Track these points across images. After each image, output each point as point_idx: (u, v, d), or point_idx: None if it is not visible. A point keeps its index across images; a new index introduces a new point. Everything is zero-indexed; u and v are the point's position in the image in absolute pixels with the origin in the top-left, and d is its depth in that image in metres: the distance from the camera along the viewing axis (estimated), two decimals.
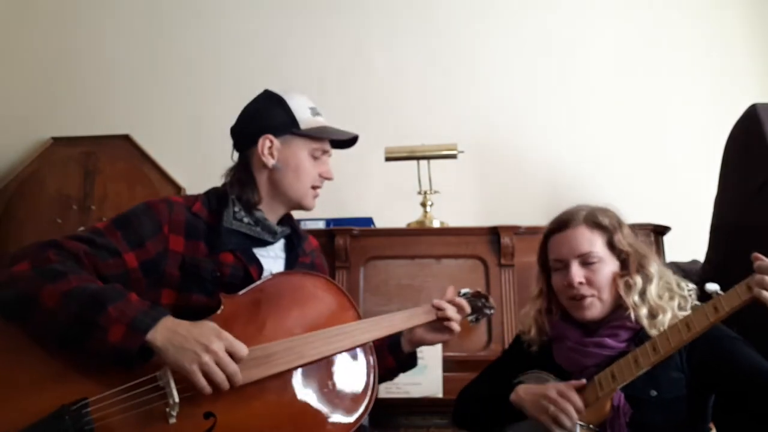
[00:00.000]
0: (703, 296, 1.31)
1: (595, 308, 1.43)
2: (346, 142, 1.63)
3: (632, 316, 1.38)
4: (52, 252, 1.27)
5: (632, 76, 2.99)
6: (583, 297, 1.42)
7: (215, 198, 1.52)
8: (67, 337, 1.21)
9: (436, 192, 2.66)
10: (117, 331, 1.18)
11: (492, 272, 2.34)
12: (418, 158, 2.66)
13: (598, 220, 1.47)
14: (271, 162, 1.51)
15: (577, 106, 2.98)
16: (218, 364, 1.20)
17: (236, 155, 1.59)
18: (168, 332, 1.21)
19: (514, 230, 2.38)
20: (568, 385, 1.33)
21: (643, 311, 1.38)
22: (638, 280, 1.41)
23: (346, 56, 3.09)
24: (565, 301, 1.47)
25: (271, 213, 1.54)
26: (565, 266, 1.45)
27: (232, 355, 1.22)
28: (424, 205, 2.65)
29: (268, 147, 1.51)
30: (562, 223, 1.49)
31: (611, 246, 1.45)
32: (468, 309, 1.59)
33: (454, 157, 2.64)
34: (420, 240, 2.42)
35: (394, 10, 3.13)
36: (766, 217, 1.77)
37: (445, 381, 2.07)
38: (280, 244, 1.58)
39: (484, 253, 2.37)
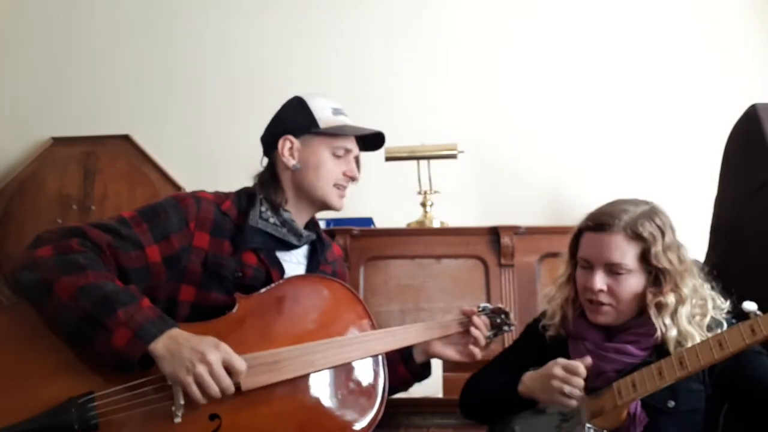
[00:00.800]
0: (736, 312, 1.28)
1: (609, 316, 1.39)
2: (375, 142, 1.61)
3: (658, 336, 1.33)
4: (76, 241, 1.27)
5: (632, 75, 2.99)
6: (600, 304, 1.38)
7: (245, 197, 1.52)
8: (75, 333, 1.21)
9: (436, 192, 2.66)
10: (122, 336, 1.18)
11: (492, 272, 2.35)
12: (418, 158, 2.66)
13: (638, 230, 1.36)
14: (292, 162, 1.50)
15: (577, 105, 2.98)
16: (212, 375, 1.19)
17: (266, 161, 1.59)
18: (169, 341, 1.20)
19: (514, 230, 2.38)
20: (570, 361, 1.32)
21: (672, 333, 1.33)
22: (671, 301, 1.35)
23: (346, 56, 3.09)
24: (583, 300, 1.43)
25: (298, 215, 1.53)
26: (591, 268, 1.39)
27: (229, 368, 1.21)
28: (424, 205, 2.65)
29: (289, 148, 1.51)
30: (600, 225, 1.39)
31: (645, 259, 1.36)
32: (489, 328, 1.53)
33: (454, 157, 2.64)
34: (420, 240, 2.42)
35: (394, 9, 3.13)
36: (766, 216, 1.77)
37: (445, 381, 2.07)
38: (303, 250, 1.56)
39: (484, 253, 2.37)
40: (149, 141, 2.99)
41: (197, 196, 1.45)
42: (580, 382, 1.28)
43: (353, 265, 2.37)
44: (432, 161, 2.65)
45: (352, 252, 2.38)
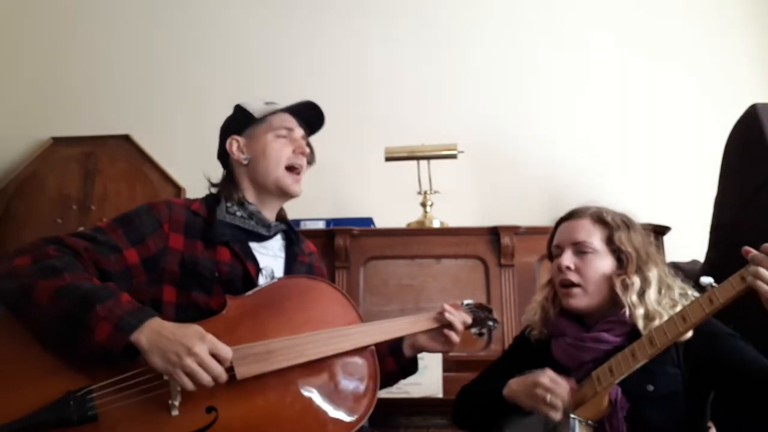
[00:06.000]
0: None
1: (580, 299, 1.46)
2: (316, 121, 1.66)
3: (627, 314, 1.39)
4: (52, 247, 1.29)
5: (632, 76, 3.00)
6: (570, 284, 1.46)
7: (212, 199, 1.58)
8: (57, 334, 1.22)
9: (436, 192, 2.66)
10: (103, 330, 1.19)
11: (492, 272, 2.35)
12: (418, 158, 2.66)
13: (602, 216, 1.50)
14: (242, 157, 1.57)
15: (577, 106, 2.98)
16: (202, 366, 1.20)
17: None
18: (153, 334, 1.21)
19: (514, 230, 2.38)
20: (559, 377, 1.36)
21: (640, 311, 1.39)
22: (636, 281, 1.42)
23: (347, 56, 3.09)
24: (558, 288, 1.51)
25: (263, 207, 1.58)
26: (562, 252, 1.50)
27: (216, 357, 1.22)
28: (424, 205, 2.65)
29: (237, 146, 1.58)
30: (570, 214, 1.55)
31: (610, 242, 1.47)
32: (469, 320, 1.58)
33: (454, 157, 2.64)
34: (420, 240, 2.42)
35: (394, 10, 3.13)
36: (765, 217, 1.77)
37: (445, 381, 2.07)
38: (278, 243, 1.60)
39: (484, 253, 2.37)
40: (149, 141, 2.99)
41: (168, 202, 1.51)
42: (564, 393, 1.32)
43: (353, 265, 2.37)
44: (432, 161, 2.66)
45: (352, 252, 2.38)
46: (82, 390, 1.21)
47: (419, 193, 2.67)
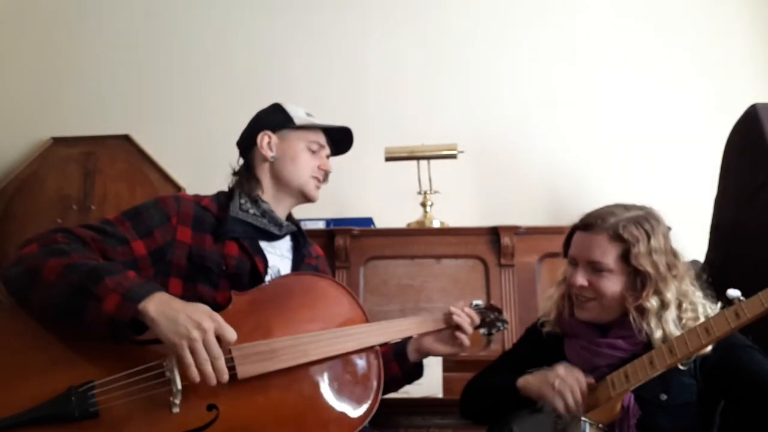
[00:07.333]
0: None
1: (593, 311, 1.43)
2: (344, 145, 1.72)
3: (644, 335, 1.36)
4: (60, 235, 1.32)
5: (632, 76, 2.99)
6: (585, 299, 1.43)
7: (224, 195, 1.59)
8: (65, 309, 1.22)
9: (436, 192, 2.66)
10: (112, 301, 1.19)
11: (492, 272, 2.35)
12: (418, 158, 2.66)
13: (620, 231, 1.39)
14: (270, 154, 1.59)
15: (577, 106, 2.98)
16: (204, 343, 1.19)
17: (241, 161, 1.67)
18: (161, 305, 1.21)
19: (514, 230, 2.38)
20: (577, 370, 1.34)
21: (658, 334, 1.35)
22: (653, 304, 1.37)
23: (346, 56, 3.09)
24: (573, 297, 1.48)
25: (277, 206, 1.60)
26: (576, 265, 1.45)
27: (220, 338, 1.22)
28: (424, 205, 2.65)
29: (267, 142, 1.60)
30: (588, 224, 1.44)
31: (626, 260, 1.39)
32: (478, 320, 1.57)
33: (454, 157, 2.64)
34: (420, 240, 2.42)
35: (394, 9, 3.13)
36: (765, 217, 1.77)
37: (445, 381, 2.07)
38: (287, 245, 1.61)
39: (484, 253, 2.37)
40: (149, 141, 2.99)
41: (177, 196, 1.53)
42: (576, 386, 1.31)
43: (353, 265, 2.37)
44: (432, 161, 2.66)
45: (352, 252, 2.38)
46: (84, 385, 1.21)
47: (419, 193, 2.67)
